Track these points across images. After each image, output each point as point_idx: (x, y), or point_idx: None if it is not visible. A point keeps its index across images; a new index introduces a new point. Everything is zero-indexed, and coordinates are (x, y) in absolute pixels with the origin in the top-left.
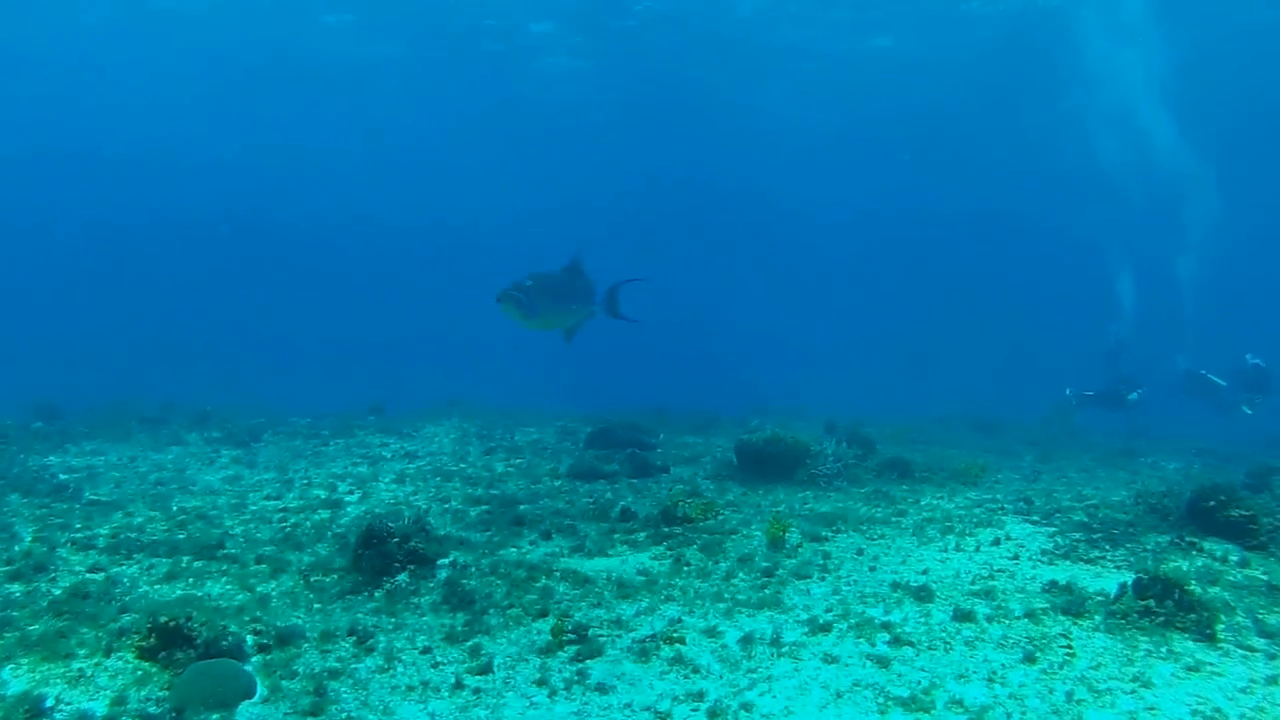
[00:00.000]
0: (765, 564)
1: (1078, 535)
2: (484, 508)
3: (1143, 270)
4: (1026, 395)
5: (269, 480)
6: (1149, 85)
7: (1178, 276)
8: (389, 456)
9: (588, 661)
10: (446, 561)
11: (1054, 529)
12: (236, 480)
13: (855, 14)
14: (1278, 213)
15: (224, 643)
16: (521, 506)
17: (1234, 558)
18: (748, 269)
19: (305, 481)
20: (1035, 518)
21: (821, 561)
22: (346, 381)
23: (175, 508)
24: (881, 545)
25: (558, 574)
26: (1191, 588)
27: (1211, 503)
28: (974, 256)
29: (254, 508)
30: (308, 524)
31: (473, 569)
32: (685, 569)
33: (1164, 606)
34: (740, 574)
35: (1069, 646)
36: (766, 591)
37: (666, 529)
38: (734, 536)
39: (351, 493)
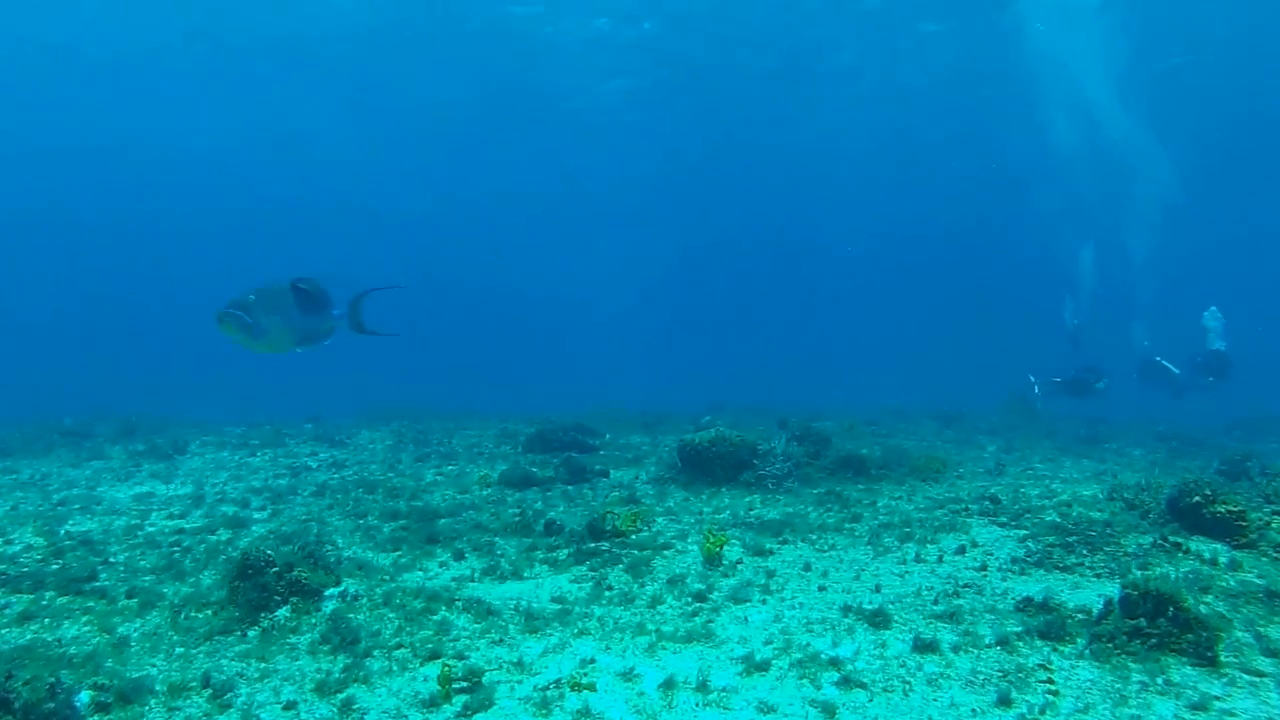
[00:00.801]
0: (699, 586)
1: (1051, 539)
2: (400, 523)
3: (1101, 254)
4: (986, 383)
5: (181, 496)
6: (1100, 74)
7: (1134, 259)
8: (315, 467)
9: (475, 717)
10: (336, 591)
11: (1024, 532)
12: (147, 498)
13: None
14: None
15: (49, 705)
16: (441, 521)
17: (1223, 559)
18: (710, 265)
19: (219, 497)
20: (1003, 519)
21: (763, 581)
22: (303, 386)
23: (63, 532)
24: (832, 558)
25: (460, 604)
26: (1186, 603)
27: (1195, 499)
28: (934, 248)
29: (151, 529)
30: (200, 548)
31: (364, 600)
32: (607, 594)
33: (1156, 626)
34: (669, 599)
35: (1050, 681)
36: (697, 621)
37: (593, 545)
38: (667, 552)
39: (263, 509)
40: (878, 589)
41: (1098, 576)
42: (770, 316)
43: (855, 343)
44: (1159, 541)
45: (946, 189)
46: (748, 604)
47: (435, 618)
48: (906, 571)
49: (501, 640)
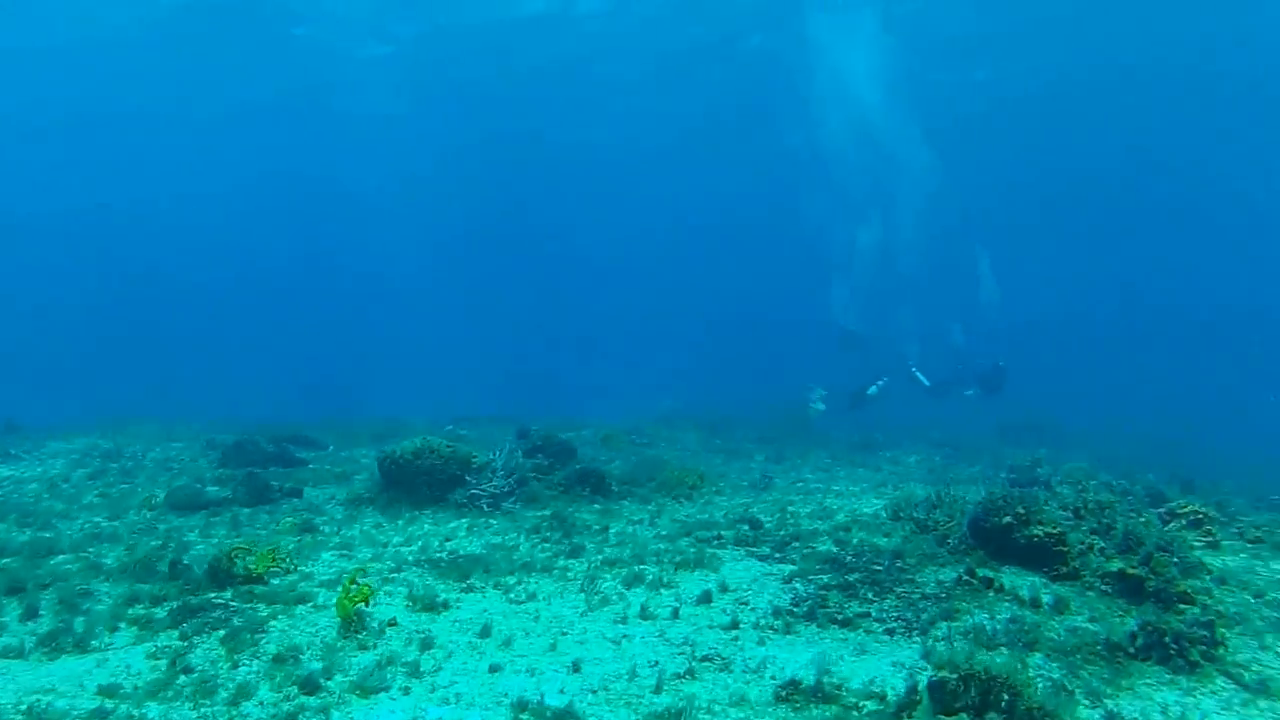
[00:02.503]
0: (317, 665)
1: (826, 578)
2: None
3: (880, 261)
4: (760, 389)
5: None
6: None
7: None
8: None
9: None
10: None
11: (791, 567)
12: None
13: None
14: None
15: None
16: (57, 559)
17: (1046, 598)
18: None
19: None
20: (764, 549)
21: (415, 655)
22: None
23: None
24: (526, 615)
25: None
26: (1025, 690)
27: (1005, 519)
28: (705, 254)
29: None
30: None
31: None
32: (181, 679)
33: None
34: (263, 690)
35: None
36: None
37: (210, 595)
38: (301, 608)
39: None
40: (576, 668)
41: (890, 634)
42: (550, 322)
43: (632, 347)
44: (964, 578)
45: (724, 191)
46: (379, 695)
47: None
48: (625, 635)
49: None
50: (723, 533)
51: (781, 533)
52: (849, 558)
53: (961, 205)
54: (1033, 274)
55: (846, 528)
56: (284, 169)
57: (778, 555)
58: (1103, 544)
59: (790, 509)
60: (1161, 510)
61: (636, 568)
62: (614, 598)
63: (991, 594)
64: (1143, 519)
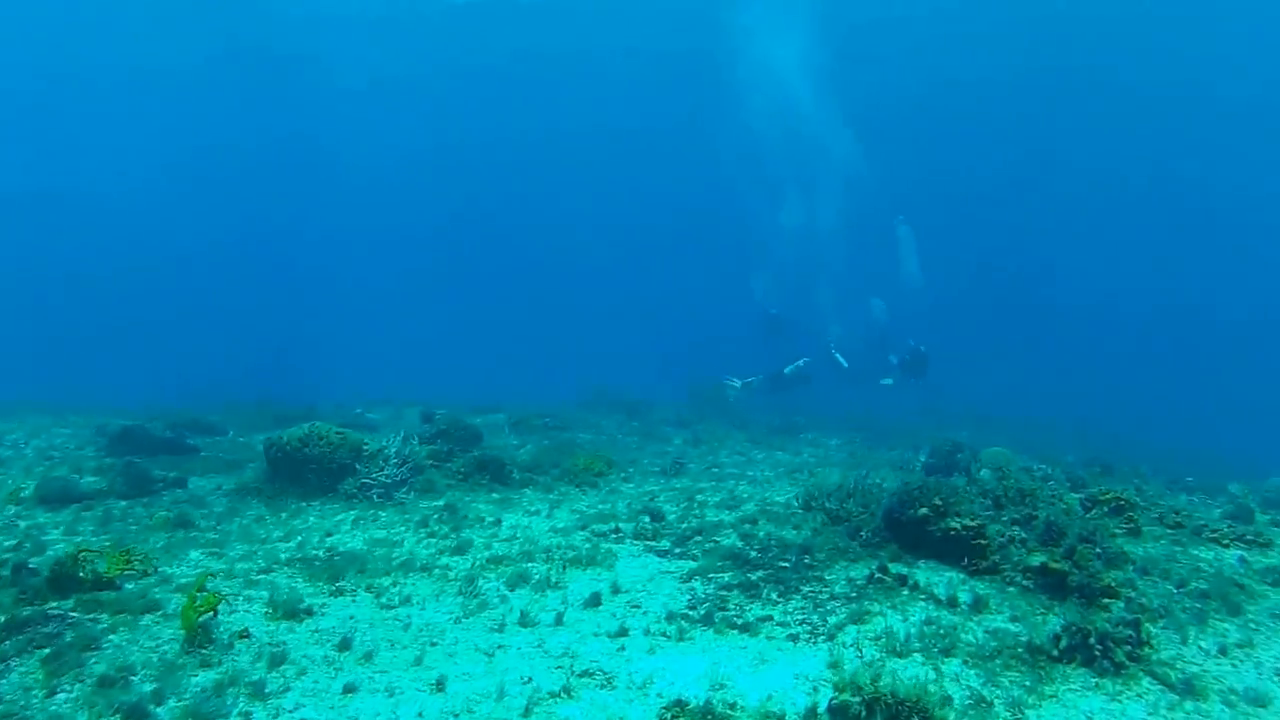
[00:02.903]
0: (148, 688)
1: (728, 575)
2: None
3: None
4: (682, 372)
5: None
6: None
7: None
8: None
9: None
10: None
11: (692, 564)
12: None
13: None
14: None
15: None
16: None
17: (964, 596)
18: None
19: None
20: (664, 543)
21: (261, 674)
22: None
23: None
24: (395, 623)
25: None
26: (934, 713)
27: (921, 510)
28: (640, 243)
29: None
30: None
31: None
32: None
33: None
34: None
35: None
36: None
37: (49, 606)
38: (148, 618)
39: None
40: (440, 686)
41: (794, 640)
42: (487, 306)
43: (558, 331)
44: (877, 575)
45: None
46: None
47: None
48: (500, 646)
49: None
50: (621, 525)
51: (684, 525)
52: (754, 553)
53: (885, 189)
54: (956, 259)
55: (754, 519)
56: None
57: (678, 551)
58: (1024, 535)
59: (699, 497)
60: (1082, 496)
61: (524, 565)
62: (494, 601)
63: (906, 592)
64: (1064, 507)
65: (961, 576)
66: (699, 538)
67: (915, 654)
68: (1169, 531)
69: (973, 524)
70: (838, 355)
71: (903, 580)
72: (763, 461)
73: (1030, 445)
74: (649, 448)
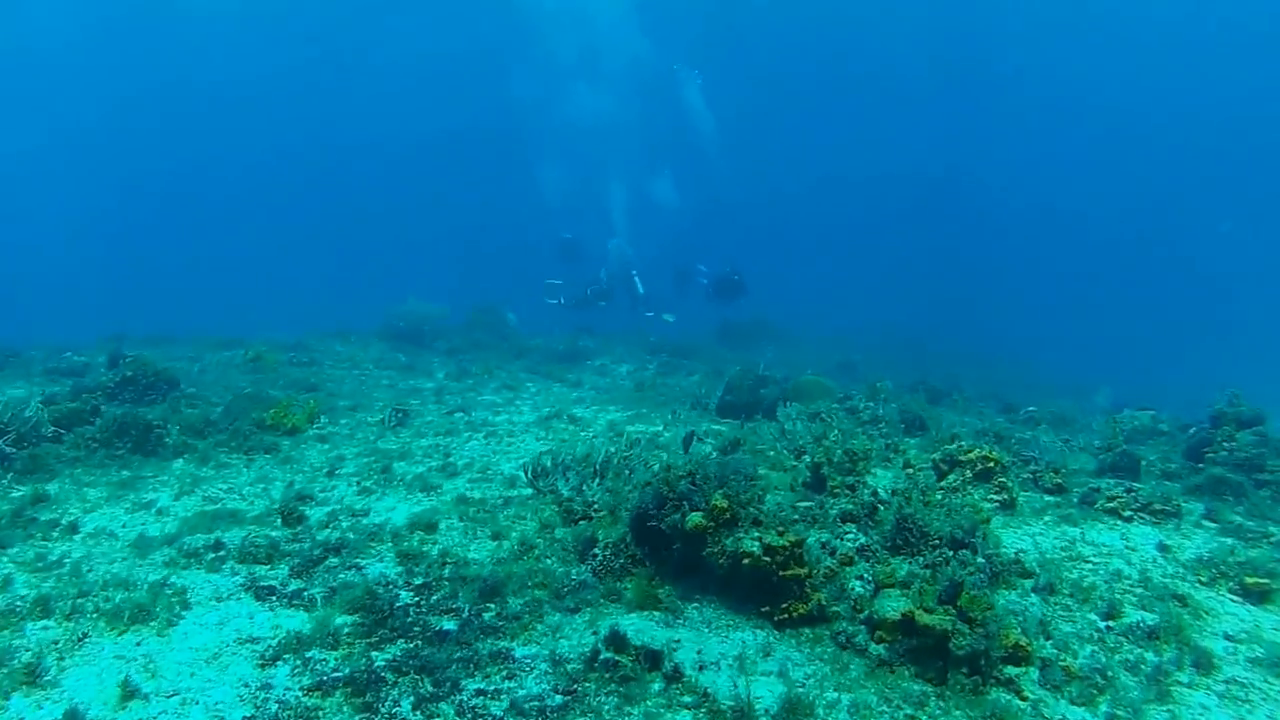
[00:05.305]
0: None
1: (335, 657)
2: None
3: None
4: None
5: None
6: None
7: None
8: None
9: None
10: None
11: (300, 617)
12: None
13: None
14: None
15: None
16: None
17: (765, 692)
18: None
19: None
20: (279, 571)
21: None
22: None
23: None
24: None
25: None
26: None
27: (691, 518)
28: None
29: None
30: None
31: None
32: None
33: None
34: None
35: None
36: None
37: None
38: None
39: None
40: None
41: None
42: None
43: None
44: (603, 653)
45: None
46: None
47: None
48: None
49: None
50: (234, 534)
51: (328, 533)
52: (407, 596)
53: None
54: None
55: (445, 515)
56: None
57: (292, 588)
58: (863, 540)
59: (397, 467)
60: (937, 457)
61: (39, 625)
62: None
63: (656, 686)
64: (920, 489)
65: (763, 639)
66: (336, 559)
67: None
68: (1051, 502)
69: (781, 545)
70: (636, 279)
71: (654, 661)
72: (531, 397)
73: (846, 368)
74: (401, 385)
